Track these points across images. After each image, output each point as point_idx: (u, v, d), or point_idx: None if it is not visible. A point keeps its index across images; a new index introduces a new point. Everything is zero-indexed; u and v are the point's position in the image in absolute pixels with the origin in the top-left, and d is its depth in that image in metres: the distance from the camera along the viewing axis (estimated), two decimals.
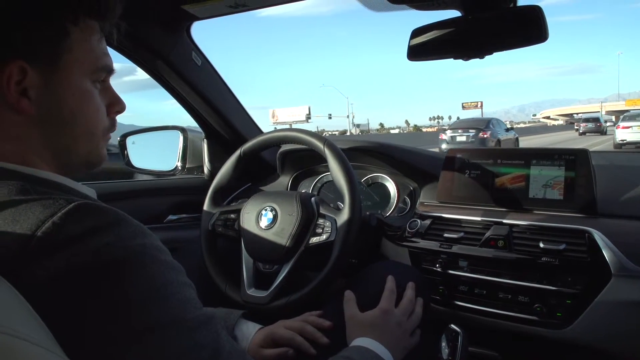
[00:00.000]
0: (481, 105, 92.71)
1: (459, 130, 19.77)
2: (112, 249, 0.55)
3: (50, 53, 0.65)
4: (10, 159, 0.64)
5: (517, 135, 22.31)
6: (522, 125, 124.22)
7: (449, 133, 20.09)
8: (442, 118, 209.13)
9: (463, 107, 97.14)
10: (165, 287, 0.58)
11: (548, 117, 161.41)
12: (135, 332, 0.54)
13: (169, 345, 0.55)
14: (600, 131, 33.03)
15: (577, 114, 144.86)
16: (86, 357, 0.52)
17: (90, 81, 0.70)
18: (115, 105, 0.77)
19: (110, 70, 0.74)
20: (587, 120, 35.50)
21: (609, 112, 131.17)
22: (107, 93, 0.75)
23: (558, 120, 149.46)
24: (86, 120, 0.71)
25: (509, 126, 22.73)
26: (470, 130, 19.39)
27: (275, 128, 1.65)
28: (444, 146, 18.91)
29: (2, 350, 0.42)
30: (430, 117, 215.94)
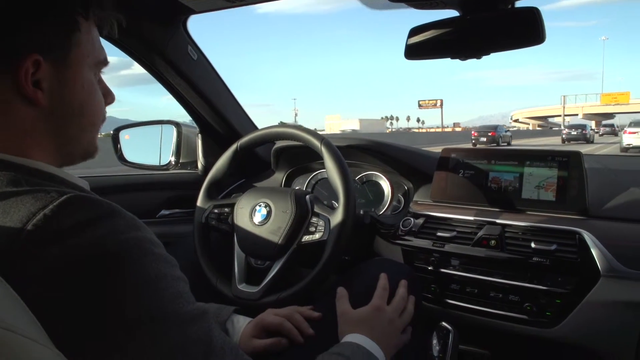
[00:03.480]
0: (441, 104, 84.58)
1: (572, 129, 35.08)
2: (105, 241, 0.55)
3: (62, 46, 0.66)
4: (7, 149, 0.64)
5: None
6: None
7: (566, 130, 35.47)
8: (397, 119, 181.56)
9: (420, 106, 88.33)
10: (158, 281, 0.58)
11: (517, 121, 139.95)
12: (128, 325, 0.54)
13: (161, 339, 0.56)
14: (586, 139, 33.87)
15: (551, 117, 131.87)
16: (78, 349, 0.52)
17: (93, 73, 0.72)
18: (108, 96, 0.79)
19: (106, 63, 0.75)
20: (572, 127, 37.59)
21: (587, 115, 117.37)
22: (101, 85, 0.77)
23: (528, 124, 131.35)
24: (91, 112, 0.73)
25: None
26: (578, 129, 34.36)
27: None
28: (564, 136, 34.41)
29: None
30: (382, 117, 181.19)
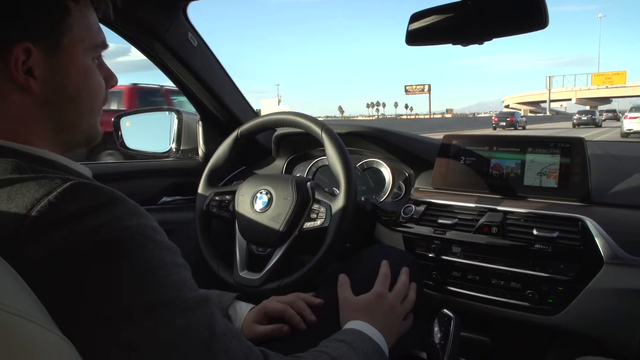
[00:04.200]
0: (428, 89, 77.83)
1: (583, 114, 39.06)
2: (108, 228, 0.55)
3: (53, 32, 0.66)
4: (8, 137, 0.64)
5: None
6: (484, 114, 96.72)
7: (577, 115, 39.24)
8: (384, 105, 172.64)
9: (406, 91, 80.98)
10: (160, 268, 0.58)
11: (507, 107, 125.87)
12: (130, 312, 0.54)
13: (164, 325, 0.56)
14: (595, 123, 37.97)
15: (543, 102, 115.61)
16: (81, 335, 0.52)
17: (90, 58, 0.72)
18: (110, 79, 0.78)
19: (105, 46, 0.75)
20: (582, 112, 41.34)
21: (581, 100, 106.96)
22: (102, 68, 0.76)
23: (519, 110, 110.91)
24: (89, 97, 0.72)
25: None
26: (588, 114, 38.66)
27: None
28: (575, 121, 38.59)
29: None
30: (367, 104, 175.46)
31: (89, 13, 0.71)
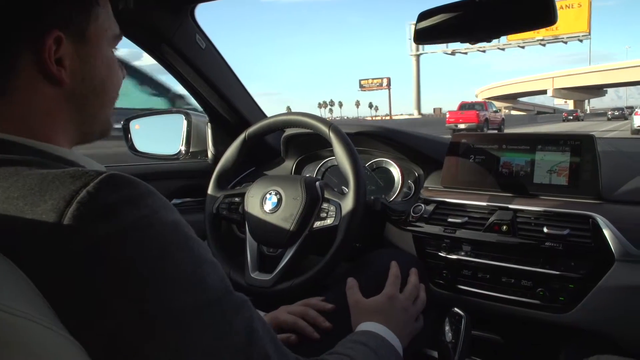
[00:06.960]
0: (388, 84, 64.92)
1: (615, 110, 52.64)
2: (149, 220, 0.52)
3: (81, 20, 0.64)
4: (29, 134, 0.62)
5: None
6: None
7: (610, 112, 53.12)
8: (340, 104, 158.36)
9: (361, 87, 67.92)
10: (202, 264, 0.55)
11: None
12: (177, 312, 0.51)
13: (207, 327, 0.53)
14: (625, 117, 48.47)
15: (521, 95, 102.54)
16: (115, 333, 0.49)
17: (111, 49, 0.71)
18: (122, 71, 0.77)
19: (121, 37, 0.75)
20: (614, 109, 56.40)
21: (559, 92, 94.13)
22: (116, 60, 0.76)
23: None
24: (113, 88, 0.72)
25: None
26: (620, 110, 51.33)
27: None
28: (609, 115, 53.01)
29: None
30: (319, 103, 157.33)
31: (108, 4, 0.70)
